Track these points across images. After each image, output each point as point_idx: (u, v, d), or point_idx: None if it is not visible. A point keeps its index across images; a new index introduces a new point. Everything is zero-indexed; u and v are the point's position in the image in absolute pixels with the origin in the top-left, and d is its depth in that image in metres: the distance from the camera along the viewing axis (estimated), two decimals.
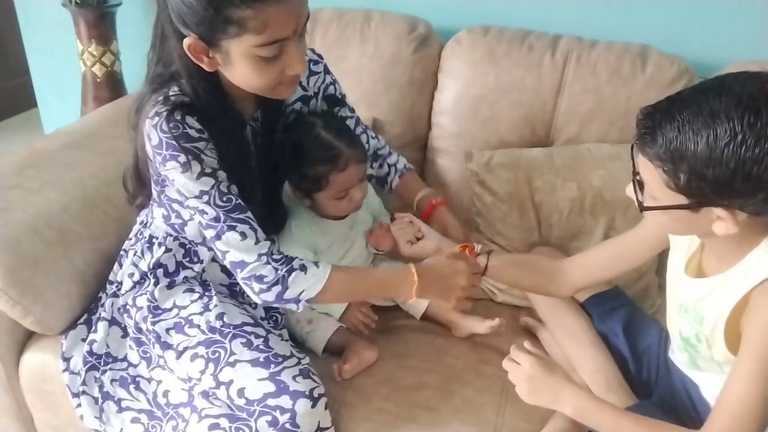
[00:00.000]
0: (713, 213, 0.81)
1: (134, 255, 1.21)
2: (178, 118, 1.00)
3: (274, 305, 1.14)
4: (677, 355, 1.08)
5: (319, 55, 1.25)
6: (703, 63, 1.56)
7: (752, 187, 0.76)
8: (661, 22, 1.63)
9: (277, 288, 1.03)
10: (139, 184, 1.19)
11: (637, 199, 0.88)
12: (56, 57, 2.21)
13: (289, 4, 0.91)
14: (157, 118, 1.00)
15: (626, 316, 1.21)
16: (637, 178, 0.87)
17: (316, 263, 1.07)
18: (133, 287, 1.19)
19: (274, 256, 1.05)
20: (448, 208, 1.38)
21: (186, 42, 0.94)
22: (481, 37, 1.59)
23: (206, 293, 1.17)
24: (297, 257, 1.07)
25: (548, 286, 1.17)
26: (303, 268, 1.05)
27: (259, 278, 1.04)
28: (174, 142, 0.99)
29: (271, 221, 1.21)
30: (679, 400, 1.08)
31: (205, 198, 1.03)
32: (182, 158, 1.00)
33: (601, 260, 1.14)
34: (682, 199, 0.81)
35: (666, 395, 1.11)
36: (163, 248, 1.18)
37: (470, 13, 1.70)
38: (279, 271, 1.03)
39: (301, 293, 1.04)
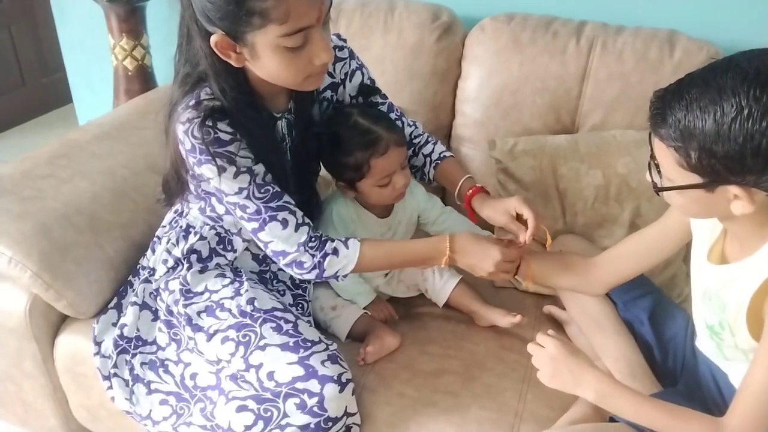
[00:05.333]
0: (729, 192, 0.80)
1: (168, 242, 1.23)
2: (210, 124, 1.01)
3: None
4: (704, 345, 1.07)
5: (344, 40, 1.24)
6: (734, 48, 1.47)
7: (763, 162, 0.75)
8: (689, 6, 1.60)
9: (316, 271, 1.12)
10: (180, 187, 1.19)
11: (653, 180, 0.88)
12: (89, 52, 2.27)
13: None
14: (188, 125, 1.01)
15: (652, 304, 1.20)
16: (654, 161, 0.86)
17: (346, 243, 1.12)
18: (167, 272, 1.22)
19: (311, 244, 1.11)
20: (483, 197, 1.24)
21: (213, 39, 0.95)
22: (505, 24, 1.58)
23: (237, 279, 1.19)
24: (329, 239, 1.12)
25: (582, 285, 1.17)
26: (335, 251, 1.11)
27: (300, 264, 1.12)
28: (206, 148, 1.02)
29: (306, 211, 1.22)
30: (706, 388, 1.07)
31: (244, 194, 1.07)
32: (215, 162, 1.02)
33: (629, 253, 1.13)
34: (696, 179, 0.81)
35: (692, 383, 1.09)
36: (198, 236, 1.21)
37: (494, 0, 1.69)
38: (315, 258, 1.11)
39: (337, 272, 1.13)
